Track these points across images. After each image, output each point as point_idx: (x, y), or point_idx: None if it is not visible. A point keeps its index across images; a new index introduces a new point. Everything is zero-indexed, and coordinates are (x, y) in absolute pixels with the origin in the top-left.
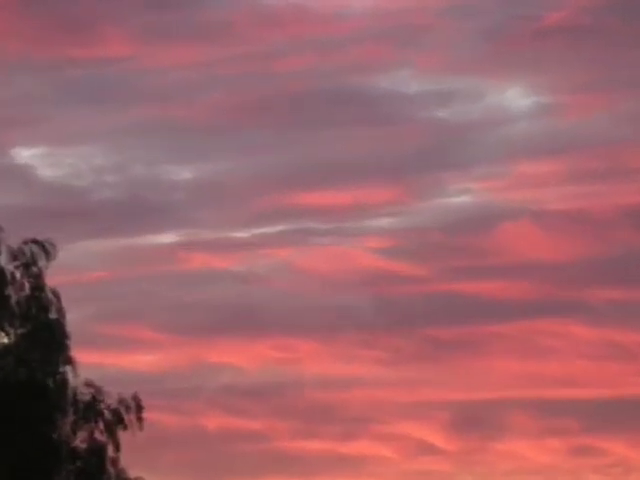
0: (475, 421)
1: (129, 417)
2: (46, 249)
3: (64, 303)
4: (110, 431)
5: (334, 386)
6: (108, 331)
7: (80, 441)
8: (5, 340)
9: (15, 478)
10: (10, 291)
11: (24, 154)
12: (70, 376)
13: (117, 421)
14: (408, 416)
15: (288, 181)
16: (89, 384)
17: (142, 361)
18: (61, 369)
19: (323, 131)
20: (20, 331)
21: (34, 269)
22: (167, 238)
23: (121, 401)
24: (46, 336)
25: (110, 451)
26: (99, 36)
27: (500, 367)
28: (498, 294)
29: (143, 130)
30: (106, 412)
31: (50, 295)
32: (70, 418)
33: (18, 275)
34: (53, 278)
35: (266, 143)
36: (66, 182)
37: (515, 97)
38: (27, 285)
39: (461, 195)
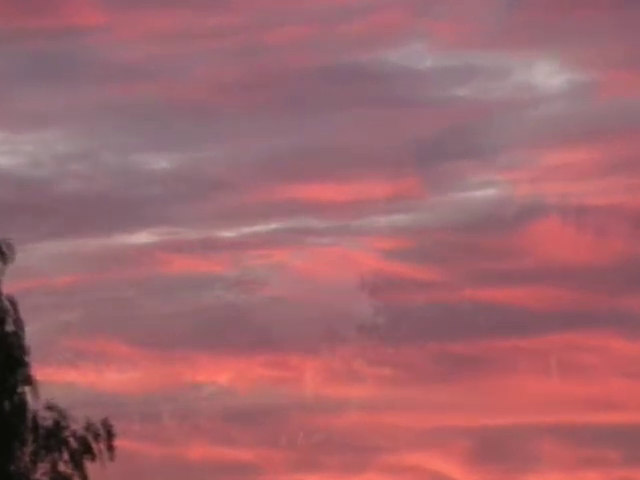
0: (499, 450)
1: (98, 446)
2: (2, 250)
3: (22, 313)
4: (76, 462)
5: (337, 409)
6: (74, 345)
7: (41, 474)
8: None
9: None
10: None
11: None
12: (30, 398)
13: (84, 450)
14: (422, 444)
15: (283, 172)
16: (52, 407)
17: (114, 380)
18: (19, 390)
19: (323, 114)
20: None
21: None
22: (143, 238)
23: (89, 427)
24: (1, 351)
25: None
26: (63, 2)
27: (528, 387)
28: (526, 303)
29: (115, 112)
30: (71, 440)
31: (6, 304)
32: (30, 447)
33: None
34: (10, 284)
35: (258, 128)
36: (24, 173)
37: (546, 74)
38: None
39: (483, 188)
